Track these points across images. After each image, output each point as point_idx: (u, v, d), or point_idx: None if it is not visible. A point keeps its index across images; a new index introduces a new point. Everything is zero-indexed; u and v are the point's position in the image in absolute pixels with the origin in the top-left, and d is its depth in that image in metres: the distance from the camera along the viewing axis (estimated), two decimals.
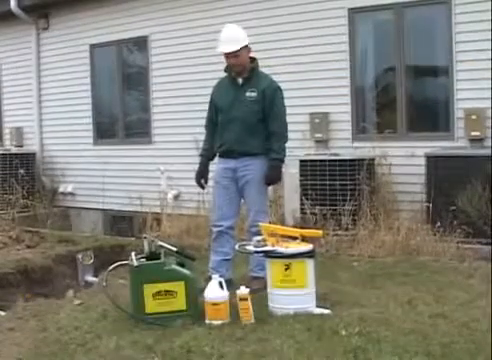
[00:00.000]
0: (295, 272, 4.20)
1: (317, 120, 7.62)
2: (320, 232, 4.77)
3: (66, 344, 3.85)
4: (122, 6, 9.46)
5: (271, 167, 4.94)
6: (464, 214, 6.02)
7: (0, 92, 11.35)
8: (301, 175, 6.95)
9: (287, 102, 5.12)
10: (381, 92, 7.68)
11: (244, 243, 4.59)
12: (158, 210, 8.30)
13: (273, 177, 5.03)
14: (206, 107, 5.25)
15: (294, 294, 4.20)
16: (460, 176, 6.10)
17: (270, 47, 7.69)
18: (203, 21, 8.43)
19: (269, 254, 4.29)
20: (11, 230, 7.83)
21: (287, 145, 5.02)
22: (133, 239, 7.35)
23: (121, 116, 9.76)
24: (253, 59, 5.01)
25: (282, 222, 6.61)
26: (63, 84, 10.24)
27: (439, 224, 6.01)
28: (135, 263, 4.19)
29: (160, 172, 8.72)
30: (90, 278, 5.89)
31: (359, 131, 7.51)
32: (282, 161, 5.02)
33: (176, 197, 8.75)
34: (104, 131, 10.07)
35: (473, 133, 6.62)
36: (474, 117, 6.59)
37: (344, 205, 6.57)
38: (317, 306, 4.24)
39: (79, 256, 5.97)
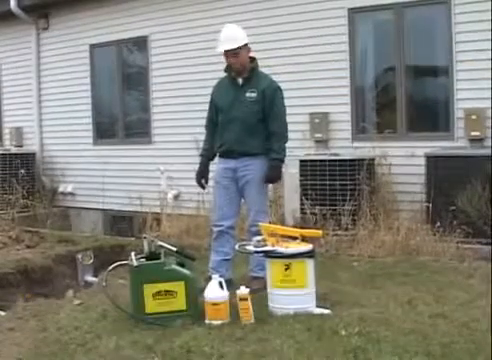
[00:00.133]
0: (295, 272, 4.20)
1: (317, 120, 7.62)
2: (320, 232, 4.77)
3: (66, 344, 3.85)
4: (122, 6, 9.46)
5: (271, 167, 4.94)
6: (464, 214, 6.02)
7: (0, 92, 11.35)
8: (301, 175, 6.95)
9: (287, 102, 5.12)
10: (381, 92, 7.68)
11: (244, 243, 4.59)
12: (158, 210, 8.30)
13: (273, 177, 5.04)
14: (206, 107, 5.25)
15: (294, 294, 4.20)
16: (460, 176, 6.10)
17: (270, 47, 7.69)
18: (203, 21, 8.43)
19: (269, 254, 4.29)
20: (11, 230, 7.82)
21: (287, 145, 5.02)
22: (133, 239, 7.35)
23: (121, 116, 9.76)
24: (253, 59, 5.01)
25: (282, 222, 6.61)
26: (63, 84, 10.24)
27: (439, 224, 6.01)
28: (135, 263, 4.19)
29: (160, 172, 8.72)
30: (90, 278, 5.89)
31: (359, 131, 7.51)
32: (282, 161, 5.03)
33: (176, 197, 8.75)
34: (104, 131, 10.07)
35: (473, 133, 6.62)
36: (474, 117, 6.59)
37: (344, 205, 6.57)
38: (317, 306, 4.24)
39: (79, 256, 5.98)
